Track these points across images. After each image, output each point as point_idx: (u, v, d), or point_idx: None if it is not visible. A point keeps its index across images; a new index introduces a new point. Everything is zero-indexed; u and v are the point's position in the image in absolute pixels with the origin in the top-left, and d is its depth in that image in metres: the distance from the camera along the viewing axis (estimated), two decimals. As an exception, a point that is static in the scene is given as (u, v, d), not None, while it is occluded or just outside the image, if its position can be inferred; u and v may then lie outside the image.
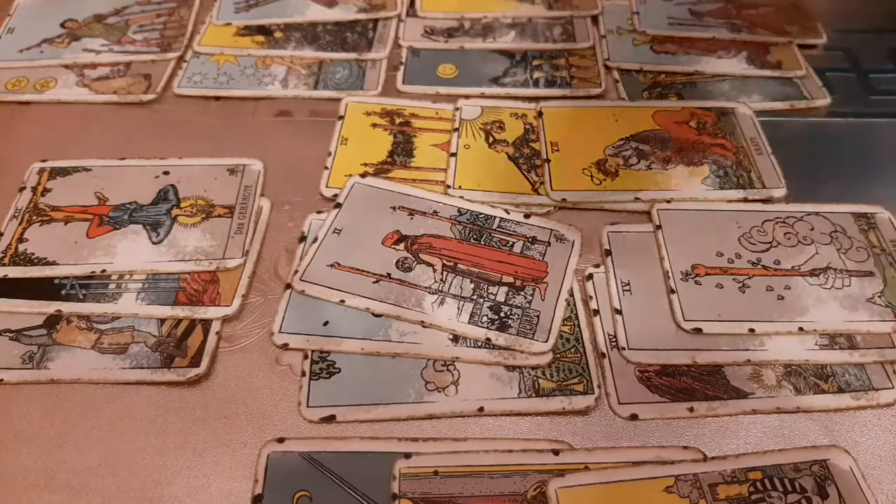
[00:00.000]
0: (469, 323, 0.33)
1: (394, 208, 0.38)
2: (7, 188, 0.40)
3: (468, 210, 0.38)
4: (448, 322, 0.33)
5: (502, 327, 0.33)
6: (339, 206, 0.37)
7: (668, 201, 0.39)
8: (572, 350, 0.33)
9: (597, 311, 0.34)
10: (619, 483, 0.29)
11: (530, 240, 0.36)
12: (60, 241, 0.37)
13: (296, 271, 0.35)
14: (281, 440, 0.30)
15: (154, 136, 0.43)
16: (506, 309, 0.33)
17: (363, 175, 0.40)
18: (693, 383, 0.32)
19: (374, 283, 0.34)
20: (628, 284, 0.35)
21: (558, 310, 0.34)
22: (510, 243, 0.36)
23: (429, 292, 0.34)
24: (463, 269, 0.35)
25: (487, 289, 0.34)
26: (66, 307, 0.34)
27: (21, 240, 0.37)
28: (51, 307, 0.34)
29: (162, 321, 0.34)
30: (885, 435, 0.31)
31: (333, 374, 0.32)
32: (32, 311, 0.34)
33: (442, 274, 0.34)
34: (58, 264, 0.36)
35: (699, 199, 0.39)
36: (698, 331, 0.33)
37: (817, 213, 0.38)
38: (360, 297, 0.34)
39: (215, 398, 0.32)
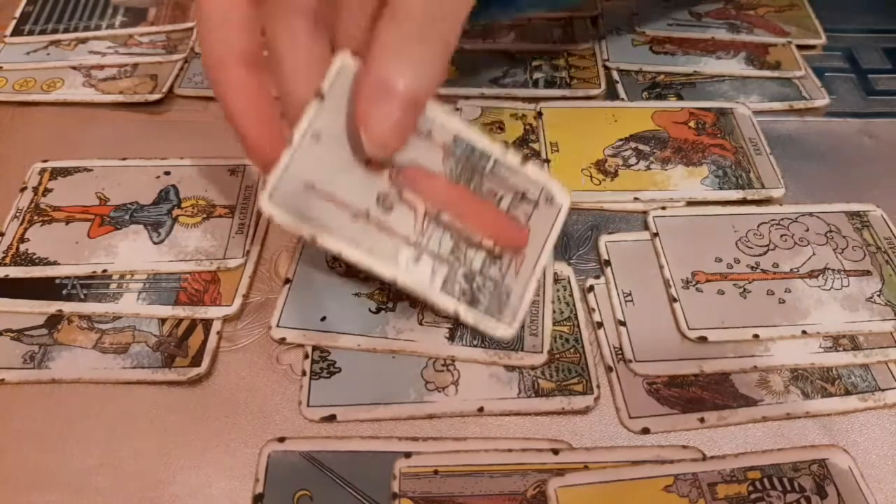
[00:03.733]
0: (441, 290, 0.30)
1: None
2: (8, 188, 0.40)
3: (464, 141, 0.32)
4: (420, 286, 0.29)
5: (472, 301, 0.30)
6: (321, 97, 0.28)
7: (665, 206, 0.39)
8: (571, 350, 0.33)
9: (601, 324, 0.34)
10: (619, 482, 0.29)
11: (520, 195, 0.32)
12: (61, 241, 0.37)
13: (264, 188, 0.27)
14: (282, 439, 0.30)
15: (155, 136, 0.43)
16: (479, 280, 0.30)
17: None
18: (702, 393, 0.32)
19: (350, 219, 0.29)
20: (630, 295, 0.35)
21: (528, 291, 0.31)
22: (499, 195, 0.32)
23: (406, 243, 0.30)
24: (445, 221, 0.31)
25: (465, 250, 0.31)
26: (68, 307, 0.34)
27: (22, 240, 0.37)
28: (52, 307, 0.34)
29: (163, 321, 0.34)
30: (885, 435, 0.31)
31: (334, 373, 0.32)
32: (33, 311, 0.34)
33: (423, 223, 0.31)
34: (59, 264, 0.36)
35: (698, 200, 0.39)
36: (703, 339, 0.33)
37: (811, 214, 0.38)
38: (333, 238, 0.28)
39: (216, 398, 0.32)
